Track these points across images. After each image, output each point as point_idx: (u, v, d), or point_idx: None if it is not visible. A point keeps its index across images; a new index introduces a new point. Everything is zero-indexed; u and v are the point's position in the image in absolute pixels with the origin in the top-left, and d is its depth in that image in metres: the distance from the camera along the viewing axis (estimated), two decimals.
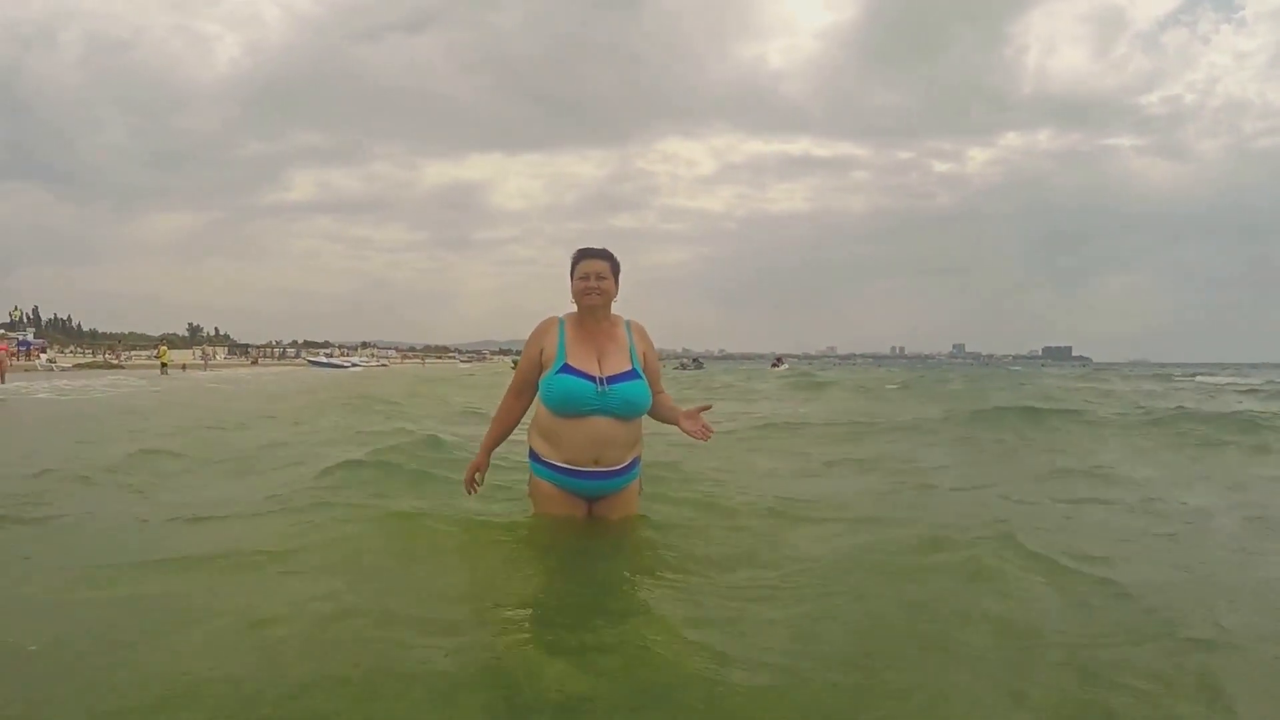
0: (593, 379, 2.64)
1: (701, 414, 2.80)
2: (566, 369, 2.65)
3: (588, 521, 2.80)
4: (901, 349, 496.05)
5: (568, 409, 2.64)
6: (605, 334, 2.75)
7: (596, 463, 2.68)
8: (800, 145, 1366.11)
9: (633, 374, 2.71)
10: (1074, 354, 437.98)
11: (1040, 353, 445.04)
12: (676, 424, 2.80)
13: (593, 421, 2.64)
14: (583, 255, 2.75)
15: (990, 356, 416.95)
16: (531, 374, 2.77)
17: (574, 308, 2.78)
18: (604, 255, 2.76)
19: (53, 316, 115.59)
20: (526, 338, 2.82)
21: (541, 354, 2.74)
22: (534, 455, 2.79)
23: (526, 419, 2.90)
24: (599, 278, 2.70)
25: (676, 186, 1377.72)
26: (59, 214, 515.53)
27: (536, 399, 2.77)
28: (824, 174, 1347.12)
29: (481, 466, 2.92)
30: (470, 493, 2.95)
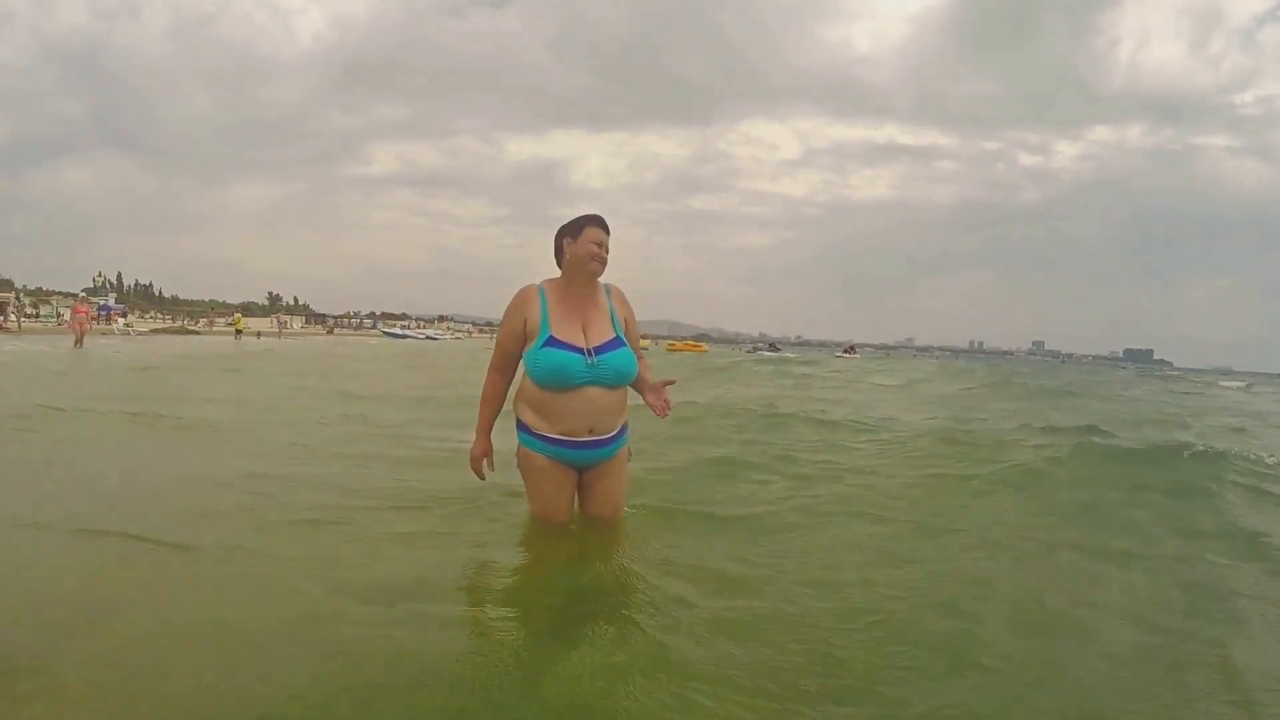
0: (580, 351, 2.59)
1: (666, 388, 2.72)
2: (552, 342, 2.58)
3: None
4: (980, 343, 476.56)
5: (558, 383, 2.57)
6: (588, 301, 2.69)
7: (591, 432, 2.64)
8: (885, 132, 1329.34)
9: (617, 342, 2.67)
10: (1155, 357, 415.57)
11: (1121, 354, 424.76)
12: (641, 395, 2.74)
13: (584, 392, 2.59)
14: (592, 222, 2.67)
15: (1070, 355, 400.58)
16: (514, 346, 2.69)
17: (554, 274, 2.72)
18: (608, 227, 2.71)
19: (135, 282, 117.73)
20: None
21: (525, 325, 2.65)
22: (524, 427, 2.69)
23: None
24: (605, 249, 2.67)
25: (759, 169, 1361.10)
26: (143, 182, 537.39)
27: (521, 370, 2.69)
28: (909, 162, 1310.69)
29: (487, 451, 2.82)
30: (481, 478, 2.85)
